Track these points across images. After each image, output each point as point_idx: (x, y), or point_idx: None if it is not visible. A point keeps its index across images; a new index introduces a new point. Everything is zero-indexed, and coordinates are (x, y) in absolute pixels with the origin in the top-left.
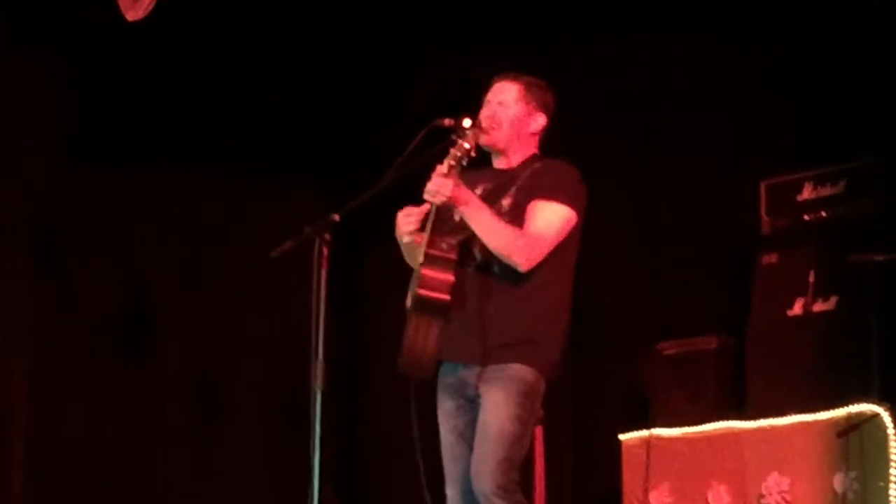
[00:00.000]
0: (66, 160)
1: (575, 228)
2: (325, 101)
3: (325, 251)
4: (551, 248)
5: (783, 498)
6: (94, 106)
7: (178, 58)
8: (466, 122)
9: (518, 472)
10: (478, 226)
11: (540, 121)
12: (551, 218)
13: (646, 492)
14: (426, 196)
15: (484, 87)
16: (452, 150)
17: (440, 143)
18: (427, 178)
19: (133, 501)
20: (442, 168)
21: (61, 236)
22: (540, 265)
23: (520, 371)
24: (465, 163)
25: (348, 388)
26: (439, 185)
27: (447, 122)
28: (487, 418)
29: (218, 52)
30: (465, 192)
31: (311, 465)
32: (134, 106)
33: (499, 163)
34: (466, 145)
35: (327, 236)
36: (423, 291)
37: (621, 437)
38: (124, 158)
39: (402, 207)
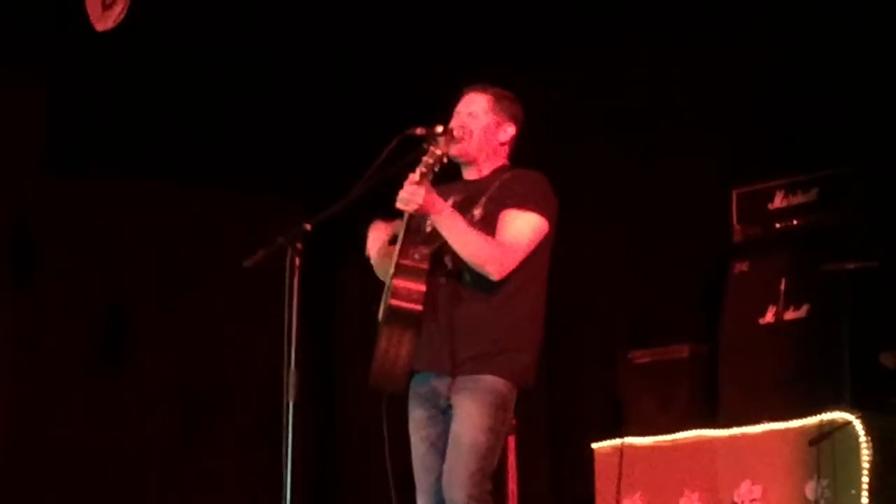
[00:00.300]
0: (41, 168)
1: (546, 237)
2: (301, 111)
3: (298, 260)
4: (524, 256)
5: None
6: (70, 113)
7: (155, 66)
8: (438, 129)
9: (490, 482)
10: (450, 235)
11: (509, 131)
12: (523, 227)
13: (618, 500)
14: (399, 204)
15: (453, 99)
16: (424, 158)
17: (412, 152)
18: (400, 187)
19: None
20: (414, 176)
21: (37, 245)
22: (512, 274)
23: (492, 382)
24: (437, 169)
25: (322, 398)
26: (411, 193)
27: (419, 130)
28: (460, 429)
29: (194, 60)
30: (437, 201)
31: (283, 476)
32: (110, 114)
33: (468, 174)
34: (438, 152)
35: (299, 245)
36: (395, 302)
37: (594, 445)
38: (100, 167)
39: (373, 217)
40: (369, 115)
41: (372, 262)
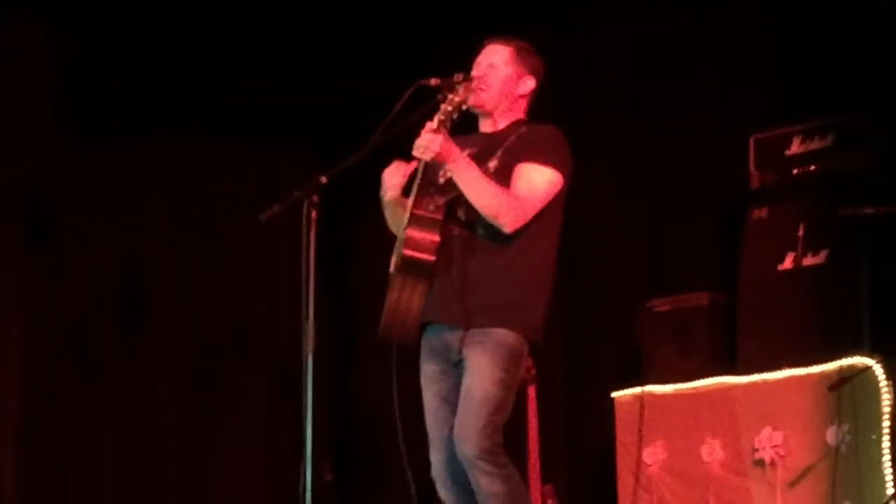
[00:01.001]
0: (55, 128)
1: (560, 192)
2: (315, 64)
3: (314, 213)
4: (537, 210)
5: (776, 452)
6: (82, 76)
7: (167, 26)
8: (458, 77)
9: (502, 434)
10: (465, 184)
11: (529, 84)
12: (538, 180)
13: (640, 448)
14: (415, 152)
15: (470, 51)
16: (443, 105)
17: (428, 102)
18: (416, 137)
19: (129, 472)
20: (432, 124)
21: (52, 209)
22: (525, 228)
23: (504, 336)
24: (455, 117)
25: (340, 352)
26: (429, 141)
27: (433, 81)
28: (472, 382)
29: (208, 14)
30: (454, 149)
31: (304, 425)
32: (123, 76)
33: (485, 126)
34: (457, 99)
35: (315, 198)
36: (408, 252)
37: (614, 394)
38: (114, 129)
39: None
40: (384, 68)
41: (384, 205)
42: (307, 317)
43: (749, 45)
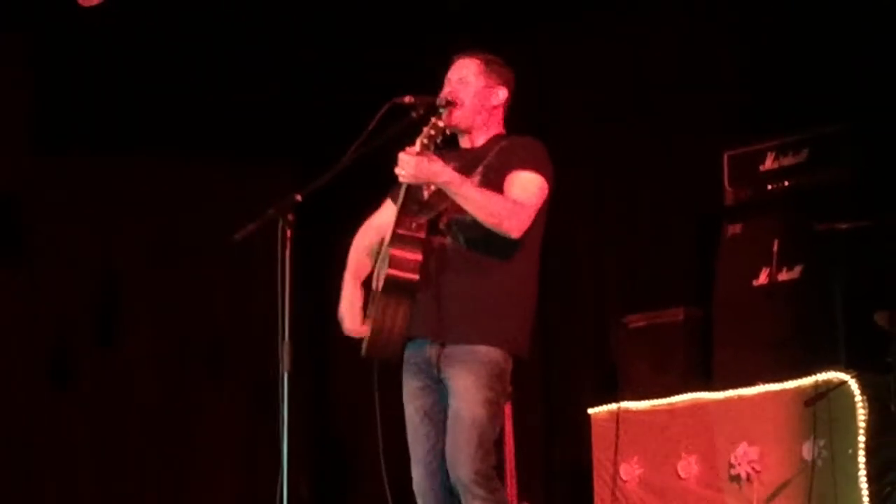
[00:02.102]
0: (30, 144)
1: (546, 200)
2: (290, 82)
3: (289, 232)
4: (535, 214)
5: (752, 467)
6: (58, 91)
7: (143, 39)
8: (441, 101)
9: (495, 455)
10: (464, 199)
11: (501, 94)
12: (529, 186)
13: (616, 464)
14: (400, 178)
15: (444, 68)
16: (426, 129)
17: (402, 121)
18: (390, 155)
19: (104, 486)
20: (414, 147)
21: (26, 224)
22: (508, 241)
23: (487, 353)
24: (439, 141)
25: (316, 367)
26: (406, 164)
27: (408, 99)
28: (459, 405)
29: (182, 33)
30: (441, 170)
31: (280, 446)
32: (97, 88)
33: (465, 142)
34: (441, 124)
35: (290, 217)
36: (392, 271)
37: (590, 410)
38: (89, 143)
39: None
40: (359, 85)
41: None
42: (283, 337)
43: (723, 61)
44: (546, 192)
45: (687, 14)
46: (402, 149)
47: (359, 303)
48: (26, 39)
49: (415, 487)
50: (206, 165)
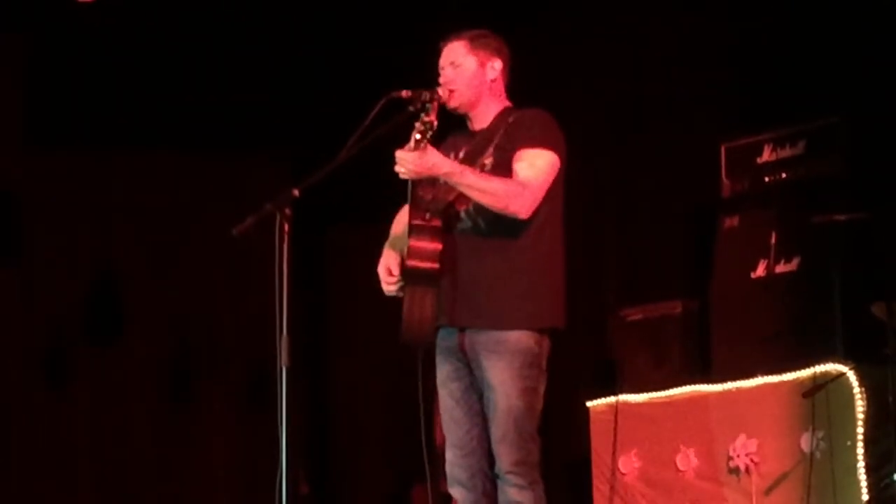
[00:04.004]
0: (24, 142)
1: (559, 174)
2: (286, 76)
3: (287, 226)
4: (544, 192)
5: (751, 459)
6: (52, 86)
7: (139, 35)
8: (426, 96)
9: (536, 441)
10: (466, 188)
11: (496, 66)
12: (538, 163)
13: (614, 457)
14: (401, 175)
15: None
16: (417, 125)
17: (399, 115)
18: (387, 149)
19: (102, 484)
20: (409, 144)
21: (21, 221)
22: (529, 220)
23: (518, 339)
24: (429, 136)
25: (313, 364)
26: (403, 161)
27: (404, 93)
28: (495, 398)
29: (177, 28)
30: (439, 162)
31: (280, 440)
32: (93, 85)
33: (473, 123)
34: (427, 119)
35: (288, 211)
36: (411, 262)
37: (589, 403)
38: (84, 139)
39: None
40: (355, 79)
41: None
42: (282, 331)
43: (720, 53)
44: (557, 166)
45: (685, 6)
46: (400, 146)
47: (394, 262)
48: (22, 36)
49: (447, 469)
50: (203, 161)
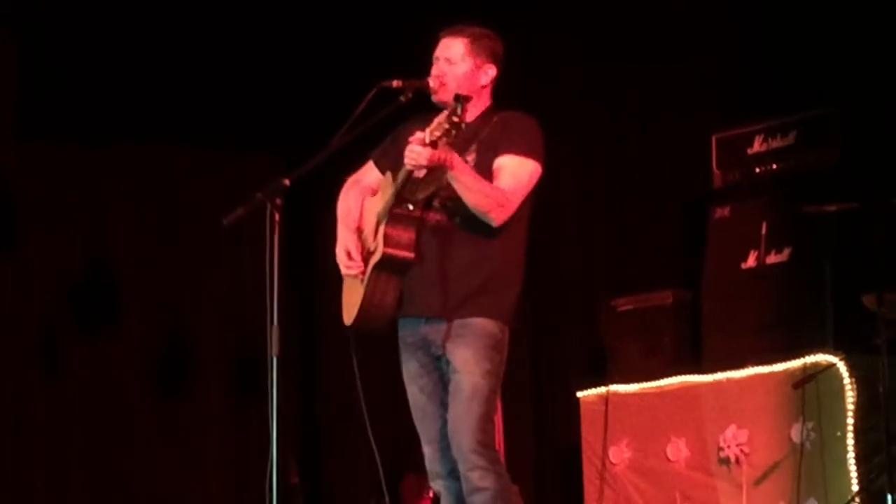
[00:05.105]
0: (17, 130)
1: (538, 181)
2: (276, 66)
3: (277, 216)
4: (521, 202)
5: (741, 450)
6: (46, 78)
7: (130, 26)
8: (460, 99)
9: (494, 429)
10: (462, 187)
11: (490, 72)
12: (521, 174)
13: (605, 448)
14: (408, 166)
15: (432, 46)
16: (441, 120)
17: (390, 105)
18: (376, 138)
19: (95, 472)
20: (423, 136)
21: (15, 210)
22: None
23: (484, 326)
24: (453, 134)
25: (304, 353)
26: (417, 155)
27: (395, 83)
28: (459, 378)
29: (169, 19)
30: (452, 156)
31: (270, 429)
32: (86, 75)
33: None
34: (456, 119)
35: (278, 201)
36: (389, 250)
37: (579, 393)
38: (77, 130)
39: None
40: (346, 69)
41: None
42: (272, 321)
43: (711, 43)
44: (538, 175)
45: None
46: (400, 132)
47: (353, 245)
48: (14, 26)
49: (427, 465)
50: (194, 151)
